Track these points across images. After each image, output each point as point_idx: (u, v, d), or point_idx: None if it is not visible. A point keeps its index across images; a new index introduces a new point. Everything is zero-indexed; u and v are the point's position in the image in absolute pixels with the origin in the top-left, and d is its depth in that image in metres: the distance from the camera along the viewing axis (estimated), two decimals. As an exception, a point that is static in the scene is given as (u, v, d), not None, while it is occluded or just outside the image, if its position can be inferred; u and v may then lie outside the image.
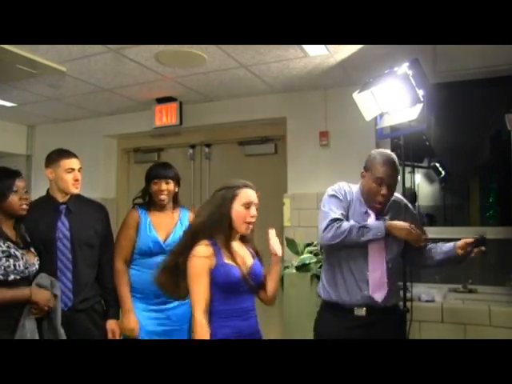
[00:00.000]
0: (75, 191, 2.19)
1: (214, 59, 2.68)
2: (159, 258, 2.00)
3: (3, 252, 1.72)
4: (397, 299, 2.03)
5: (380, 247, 1.91)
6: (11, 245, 1.77)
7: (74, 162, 2.19)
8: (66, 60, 2.65)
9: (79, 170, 2.21)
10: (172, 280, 1.71)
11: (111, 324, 2.19)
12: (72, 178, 2.16)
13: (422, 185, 3.51)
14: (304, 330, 2.52)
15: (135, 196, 2.39)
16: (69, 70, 2.80)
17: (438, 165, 3.38)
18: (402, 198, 2.11)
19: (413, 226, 1.89)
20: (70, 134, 4.24)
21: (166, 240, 2.25)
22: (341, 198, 1.96)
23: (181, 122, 3.60)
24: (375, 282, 1.89)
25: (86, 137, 4.15)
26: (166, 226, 2.29)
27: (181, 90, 3.33)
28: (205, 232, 1.67)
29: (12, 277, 1.72)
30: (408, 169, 2.77)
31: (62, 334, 1.85)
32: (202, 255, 1.63)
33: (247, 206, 1.69)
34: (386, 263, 1.91)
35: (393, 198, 2.01)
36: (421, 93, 2.17)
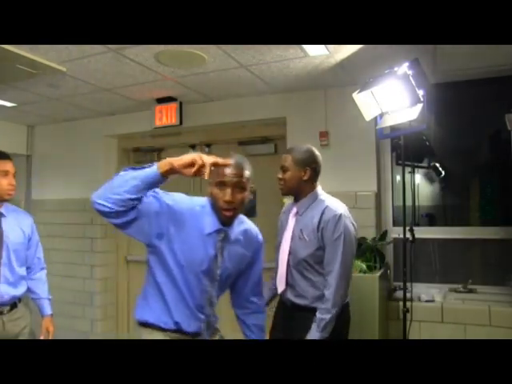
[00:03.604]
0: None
1: (214, 59, 2.68)
2: None
3: None
4: (304, 300, 2.02)
5: (287, 245, 2.08)
6: None
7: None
8: (66, 60, 2.65)
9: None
10: None
11: None
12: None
13: (422, 185, 3.51)
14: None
15: None
16: (69, 70, 2.80)
17: (437, 165, 3.37)
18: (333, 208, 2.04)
19: None
20: (69, 134, 4.25)
21: None
22: None
23: (181, 122, 3.60)
24: (279, 274, 2.10)
25: (86, 137, 4.15)
26: None
27: (181, 90, 3.33)
28: None
29: None
30: (408, 169, 2.76)
31: None
32: None
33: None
34: (288, 261, 2.06)
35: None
36: (421, 93, 2.18)
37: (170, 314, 1.56)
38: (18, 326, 2.15)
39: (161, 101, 3.59)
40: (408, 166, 2.63)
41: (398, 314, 2.81)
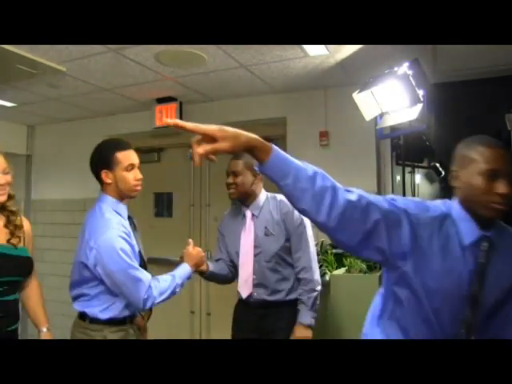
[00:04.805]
0: None
1: (213, 59, 2.68)
2: None
3: None
4: (278, 295, 2.12)
5: (249, 247, 2.13)
6: None
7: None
8: (66, 60, 2.65)
9: None
10: None
11: None
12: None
13: (422, 185, 3.51)
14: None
15: None
16: (69, 70, 2.80)
17: (438, 165, 3.37)
18: None
19: None
20: (70, 134, 4.25)
21: None
22: None
23: (181, 122, 3.59)
24: (244, 279, 2.14)
25: (86, 137, 4.15)
26: None
27: (181, 90, 3.33)
28: None
29: None
30: (408, 169, 2.76)
31: None
32: None
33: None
34: (254, 262, 2.12)
35: None
36: (421, 93, 2.18)
37: None
38: None
39: (161, 101, 3.59)
40: (408, 166, 2.63)
41: (398, 314, 2.80)
